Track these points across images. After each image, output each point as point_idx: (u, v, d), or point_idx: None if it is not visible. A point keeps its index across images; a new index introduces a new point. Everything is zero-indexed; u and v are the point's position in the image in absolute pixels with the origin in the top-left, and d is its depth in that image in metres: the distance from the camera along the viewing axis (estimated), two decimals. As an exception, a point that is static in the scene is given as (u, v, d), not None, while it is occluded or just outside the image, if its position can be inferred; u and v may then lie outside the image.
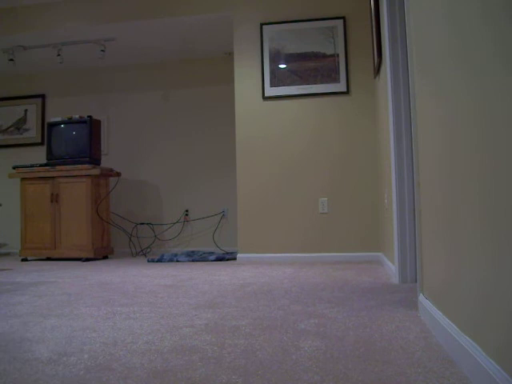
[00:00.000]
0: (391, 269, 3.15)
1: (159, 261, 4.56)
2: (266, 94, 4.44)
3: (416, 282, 2.63)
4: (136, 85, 5.82)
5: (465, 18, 1.16)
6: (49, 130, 5.07)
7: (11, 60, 5.20)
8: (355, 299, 2.27)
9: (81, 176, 4.86)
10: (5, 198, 5.84)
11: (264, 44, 4.47)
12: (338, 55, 4.35)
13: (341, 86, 4.34)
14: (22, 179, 5.02)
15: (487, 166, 1.03)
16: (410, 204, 2.79)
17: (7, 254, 5.90)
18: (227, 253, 4.99)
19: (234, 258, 4.58)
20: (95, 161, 5.01)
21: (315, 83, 4.37)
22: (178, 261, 4.59)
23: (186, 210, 5.59)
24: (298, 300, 2.29)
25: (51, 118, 5.20)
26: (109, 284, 3.02)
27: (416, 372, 1.21)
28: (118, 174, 5.24)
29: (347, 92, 4.34)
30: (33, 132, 6.05)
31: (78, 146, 4.96)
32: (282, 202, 4.39)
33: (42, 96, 6.03)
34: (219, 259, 4.57)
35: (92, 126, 4.98)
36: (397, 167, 2.82)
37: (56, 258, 5.07)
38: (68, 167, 4.88)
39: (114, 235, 5.61)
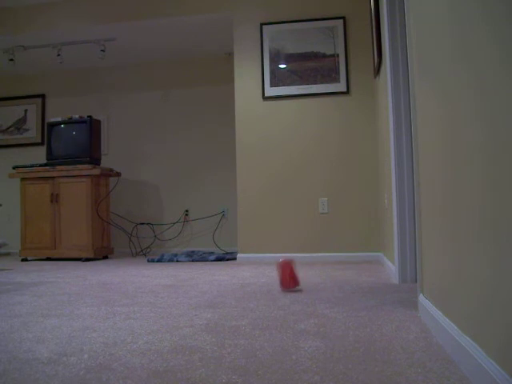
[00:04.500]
0: (391, 269, 3.15)
1: (159, 261, 4.56)
2: (266, 94, 4.44)
3: (416, 282, 2.63)
4: (136, 85, 5.82)
5: (465, 17, 1.16)
6: (49, 129, 5.07)
7: (11, 60, 5.20)
8: (355, 299, 2.27)
9: (81, 176, 4.86)
10: (5, 198, 5.84)
11: (264, 44, 4.47)
12: (338, 55, 4.35)
13: (341, 86, 4.34)
14: (22, 179, 5.01)
15: (488, 166, 1.03)
16: (409, 204, 2.79)
17: (7, 254, 5.90)
18: (227, 253, 4.99)
19: (234, 258, 4.58)
20: (95, 161, 5.01)
21: (315, 83, 4.37)
22: (178, 261, 4.59)
23: (186, 210, 5.59)
24: (298, 300, 2.29)
25: (51, 118, 5.20)
26: (109, 284, 3.02)
27: (416, 372, 1.21)
28: (118, 174, 5.24)
29: (347, 92, 4.34)
30: (33, 132, 6.05)
31: (77, 146, 4.96)
32: (282, 201, 4.39)
33: (42, 96, 6.03)
34: (219, 259, 4.56)
35: (92, 126, 4.98)
36: (397, 167, 2.82)
37: (56, 258, 5.07)
38: (68, 167, 4.88)
39: (114, 235, 5.61)
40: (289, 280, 2.54)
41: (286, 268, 2.53)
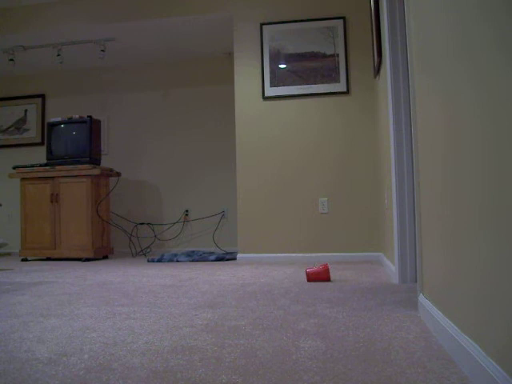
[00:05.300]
0: (391, 269, 3.15)
1: (159, 261, 4.56)
2: (266, 94, 4.44)
3: (416, 281, 2.63)
4: (136, 85, 5.82)
5: (465, 16, 1.16)
6: (49, 130, 5.07)
7: (11, 60, 5.20)
8: (355, 299, 2.27)
9: (81, 176, 4.86)
10: (5, 198, 5.84)
11: (264, 44, 4.47)
12: (338, 55, 4.35)
13: (341, 86, 4.34)
14: (22, 179, 5.01)
15: (488, 166, 1.03)
16: (410, 204, 2.79)
17: (7, 254, 5.90)
18: (227, 253, 4.99)
19: (234, 258, 4.58)
20: (95, 161, 5.01)
21: (315, 83, 4.37)
22: (178, 261, 4.59)
23: (186, 210, 5.59)
24: (298, 300, 2.29)
25: (51, 118, 5.20)
26: (109, 284, 3.02)
27: (416, 372, 1.21)
28: (118, 174, 5.24)
29: (347, 92, 4.34)
30: (33, 132, 6.05)
31: (77, 146, 4.96)
32: (282, 202, 4.39)
33: (42, 96, 6.03)
34: (219, 259, 4.56)
35: (92, 126, 4.98)
36: (397, 167, 2.82)
37: (56, 258, 5.07)
38: (68, 167, 4.87)
39: (114, 235, 5.61)
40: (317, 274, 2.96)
41: (324, 271, 2.96)
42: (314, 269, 2.99)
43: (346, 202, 4.31)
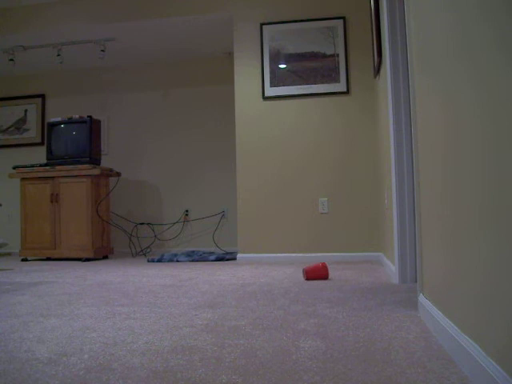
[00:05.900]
0: (391, 269, 3.15)
1: (159, 261, 4.56)
2: (266, 94, 4.44)
3: (416, 281, 2.63)
4: (136, 85, 5.82)
5: (465, 15, 1.16)
6: (49, 130, 5.07)
7: (11, 60, 5.20)
8: (355, 299, 2.27)
9: (81, 176, 4.86)
10: (5, 198, 5.84)
11: (264, 44, 4.47)
12: (338, 55, 4.35)
13: (341, 86, 4.34)
14: (22, 179, 5.01)
15: (488, 166, 1.03)
16: (410, 204, 2.79)
17: (7, 254, 5.90)
18: (227, 253, 4.99)
19: (234, 258, 4.58)
20: (95, 161, 5.01)
21: (315, 83, 4.37)
22: (178, 261, 4.59)
23: (186, 210, 5.59)
24: (298, 300, 2.29)
25: (51, 118, 5.20)
26: (109, 284, 3.02)
27: (416, 372, 1.21)
28: (118, 174, 5.24)
29: (347, 92, 4.34)
30: (33, 132, 6.05)
31: (77, 145, 4.96)
32: (282, 202, 4.39)
33: (42, 96, 6.03)
34: (219, 259, 4.56)
35: (92, 126, 4.98)
36: (397, 167, 2.82)
37: (56, 258, 5.07)
38: (68, 167, 4.87)
39: (114, 235, 5.61)
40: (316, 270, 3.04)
41: (323, 268, 3.02)
42: (312, 266, 3.02)
43: (346, 202, 4.31)
